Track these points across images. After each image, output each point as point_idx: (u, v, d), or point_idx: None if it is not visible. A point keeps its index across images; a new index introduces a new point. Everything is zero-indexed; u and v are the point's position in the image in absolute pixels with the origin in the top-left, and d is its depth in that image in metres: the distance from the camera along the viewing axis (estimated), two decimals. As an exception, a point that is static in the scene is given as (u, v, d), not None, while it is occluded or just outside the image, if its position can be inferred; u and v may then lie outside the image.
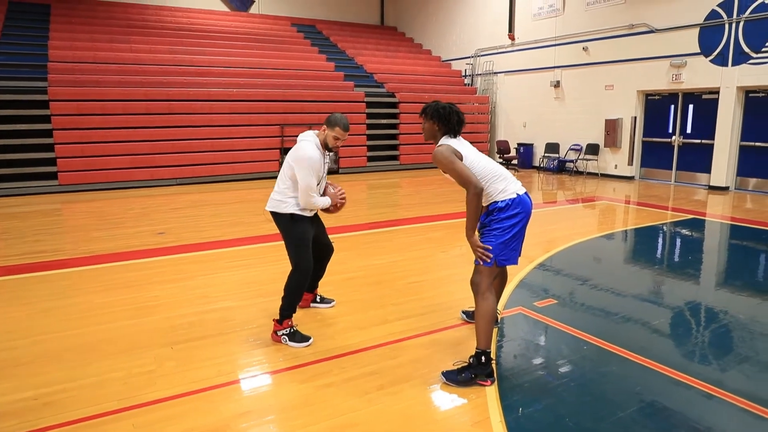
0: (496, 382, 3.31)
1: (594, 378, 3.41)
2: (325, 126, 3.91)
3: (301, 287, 3.96)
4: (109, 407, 3.04)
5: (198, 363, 3.58)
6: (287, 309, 3.93)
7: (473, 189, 3.21)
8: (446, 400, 3.15)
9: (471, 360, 3.32)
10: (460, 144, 3.39)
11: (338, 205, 4.10)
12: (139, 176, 12.13)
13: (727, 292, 5.36)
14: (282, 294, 3.96)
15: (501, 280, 3.86)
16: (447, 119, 3.41)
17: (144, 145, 12.22)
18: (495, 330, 4.07)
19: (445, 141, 3.39)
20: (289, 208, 3.86)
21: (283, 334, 3.89)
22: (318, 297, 4.66)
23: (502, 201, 3.26)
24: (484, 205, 3.35)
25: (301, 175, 3.76)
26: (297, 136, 4.02)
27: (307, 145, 3.84)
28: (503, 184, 3.31)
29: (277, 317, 3.95)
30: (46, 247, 6.90)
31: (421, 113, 3.53)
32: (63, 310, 4.61)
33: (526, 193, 3.39)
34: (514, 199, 3.27)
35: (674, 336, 4.14)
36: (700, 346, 3.99)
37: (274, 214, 3.94)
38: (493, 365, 3.38)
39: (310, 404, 3.08)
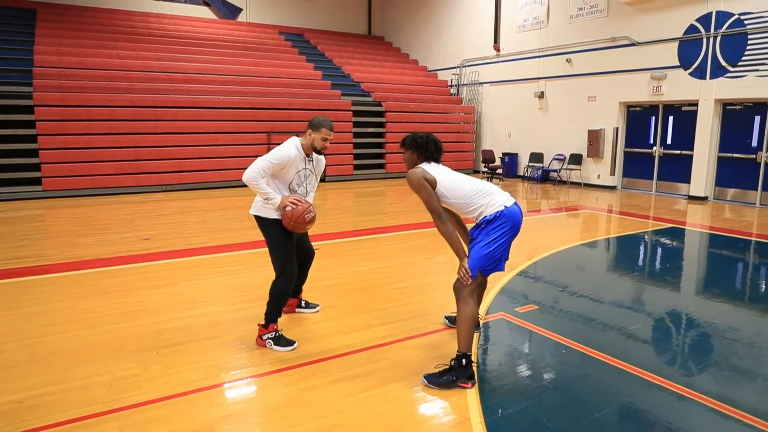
0: (477, 384, 3.39)
1: (572, 381, 3.51)
2: (310, 130, 3.97)
3: (286, 292, 4.01)
4: (95, 410, 3.06)
5: (183, 366, 3.62)
6: (272, 314, 3.98)
7: (437, 218, 3.41)
8: (428, 401, 3.22)
9: (452, 363, 3.40)
10: (435, 169, 3.49)
11: (291, 209, 3.81)
12: (124, 182, 12.09)
13: (703, 299, 5.51)
14: (267, 299, 4.01)
15: (481, 287, 3.96)
16: (425, 147, 3.55)
17: (130, 151, 12.20)
18: (477, 334, 4.16)
19: (421, 166, 3.50)
20: (272, 212, 3.89)
21: (268, 338, 3.94)
22: (303, 302, 4.72)
23: (490, 214, 3.36)
24: (474, 221, 3.45)
25: (263, 157, 3.79)
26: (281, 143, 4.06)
27: (286, 144, 3.92)
28: (488, 199, 3.40)
29: (262, 322, 4.00)
30: (30, 252, 6.87)
31: (401, 145, 3.67)
32: (48, 314, 4.62)
33: (515, 203, 3.47)
34: (502, 211, 3.35)
35: (650, 340, 4.26)
36: (675, 350, 4.11)
37: (258, 218, 3.98)
38: (474, 368, 3.46)
39: (294, 406, 3.13)
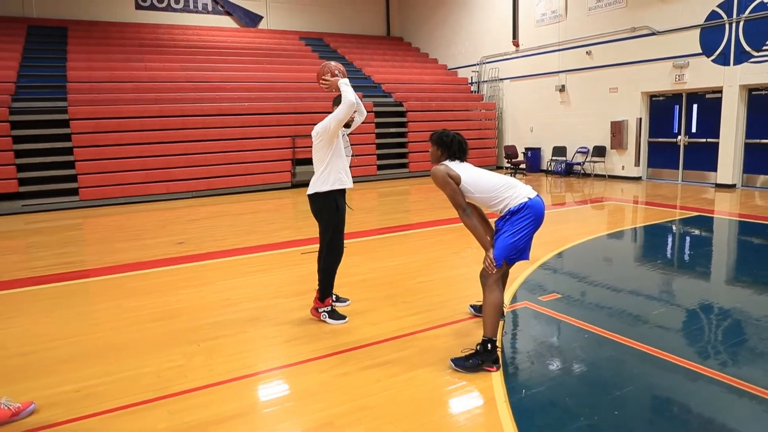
0: (501, 367, 3.54)
1: (593, 363, 3.63)
2: (335, 106, 4.32)
3: (335, 267, 4.46)
4: (145, 397, 3.31)
5: (224, 357, 3.86)
6: (327, 288, 4.40)
7: (461, 212, 3.62)
8: (454, 384, 3.38)
9: (478, 347, 3.56)
10: (459, 167, 3.68)
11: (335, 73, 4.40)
12: (155, 190, 12.51)
13: (729, 286, 5.55)
14: (319, 276, 4.45)
15: (505, 277, 4.10)
16: (448, 146, 3.75)
17: (160, 159, 12.61)
18: (501, 322, 4.31)
19: (445, 163, 3.72)
20: (326, 186, 4.26)
21: (323, 311, 4.39)
22: (334, 296, 4.92)
23: (515, 206, 3.52)
24: (499, 213, 3.62)
25: (327, 122, 4.21)
26: (308, 147, 4.41)
27: (325, 118, 4.30)
28: (512, 191, 3.56)
29: (317, 302, 4.43)
30: (73, 258, 7.24)
31: (429, 138, 3.88)
32: (94, 314, 4.92)
33: (538, 196, 3.63)
34: (526, 202, 3.52)
35: (670, 325, 4.34)
36: (694, 333, 4.19)
37: (314, 196, 4.33)
38: (498, 353, 3.61)
39: (328, 391, 3.33)
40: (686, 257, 6.82)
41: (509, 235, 3.50)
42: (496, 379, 3.39)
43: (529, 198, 3.54)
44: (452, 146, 3.74)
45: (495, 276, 3.55)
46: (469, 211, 3.61)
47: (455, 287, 5.41)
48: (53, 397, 3.36)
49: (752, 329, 4.16)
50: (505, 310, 4.53)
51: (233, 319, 4.65)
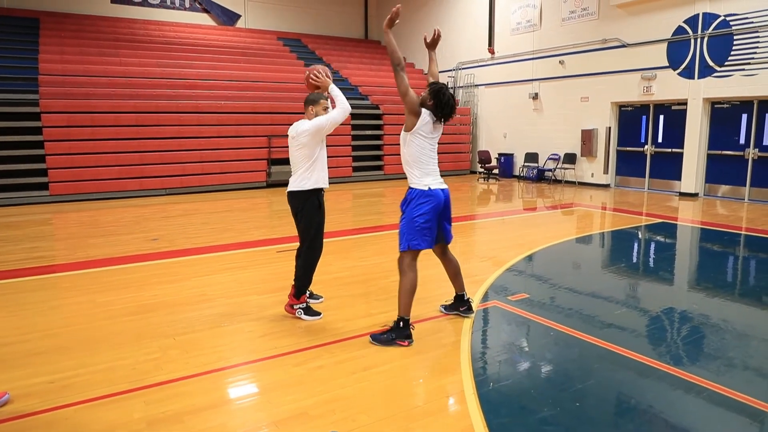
0: (470, 361, 3.68)
1: (557, 358, 3.81)
2: (310, 106, 4.45)
3: (315, 264, 4.54)
4: (120, 388, 3.35)
5: (200, 351, 3.92)
6: (304, 285, 4.49)
7: (399, 68, 3.94)
8: (425, 377, 3.52)
9: (393, 324, 3.97)
10: (429, 120, 3.93)
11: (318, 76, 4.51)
12: (128, 186, 12.38)
13: (689, 288, 5.82)
14: (297, 273, 4.52)
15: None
16: (437, 96, 3.96)
17: (133, 156, 12.48)
18: (470, 320, 4.47)
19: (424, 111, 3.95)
20: (309, 184, 4.36)
21: (299, 308, 4.49)
22: (308, 293, 5.02)
23: (415, 189, 3.92)
24: (408, 178, 4.01)
25: (324, 122, 4.35)
26: (284, 147, 4.49)
27: (305, 121, 4.44)
28: (419, 172, 3.94)
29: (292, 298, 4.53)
30: (44, 253, 7.16)
31: (428, 86, 4.14)
32: (68, 308, 4.91)
33: (442, 190, 3.98)
34: (425, 191, 3.91)
35: (630, 324, 4.56)
36: (653, 331, 4.41)
37: (296, 193, 4.40)
38: (411, 330, 3.99)
39: (303, 383, 3.43)
40: (649, 262, 7.10)
41: (410, 220, 3.91)
42: (465, 372, 3.54)
43: (429, 188, 3.90)
44: (441, 98, 3.94)
45: (407, 261, 3.96)
46: (399, 63, 3.97)
47: (426, 286, 5.53)
48: (28, 388, 3.38)
49: (706, 330, 4.40)
50: (475, 308, 4.70)
51: (209, 314, 4.71)
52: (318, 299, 5.03)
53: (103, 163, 12.15)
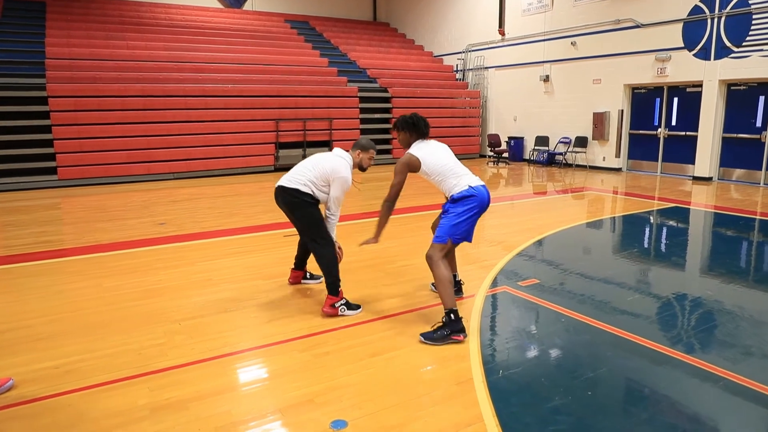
0: (479, 348, 3.61)
1: (568, 345, 3.73)
2: (359, 150, 4.44)
3: (335, 258, 4.34)
4: (125, 374, 3.32)
5: (205, 336, 3.87)
6: (337, 280, 4.29)
7: (386, 198, 4.03)
8: (433, 364, 3.45)
9: (443, 319, 3.74)
10: (426, 148, 4.00)
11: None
12: (136, 171, 12.36)
13: (703, 274, 5.70)
14: (323, 271, 4.31)
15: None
16: (416, 125, 4.08)
17: (141, 140, 12.44)
18: (479, 305, 4.40)
19: (414, 146, 4.01)
20: (310, 191, 4.28)
21: (341, 305, 4.26)
22: (308, 274, 5.04)
23: (457, 193, 3.83)
24: (445, 197, 3.97)
25: (336, 191, 4.32)
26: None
27: (345, 166, 4.35)
28: (456, 180, 3.88)
29: (327, 292, 4.30)
30: (52, 237, 7.15)
31: (393, 128, 4.16)
32: (74, 292, 4.89)
33: (482, 186, 3.91)
34: (467, 190, 3.82)
35: (644, 311, 4.46)
36: (666, 318, 4.32)
37: (295, 191, 4.25)
38: (464, 323, 3.77)
39: (309, 369, 3.37)
40: (662, 247, 6.97)
41: (453, 217, 3.81)
42: (474, 359, 3.46)
43: (471, 186, 3.83)
44: (419, 124, 4.06)
45: (438, 254, 3.81)
46: (392, 205, 4.05)
47: (426, 272, 5.46)
48: (32, 373, 3.35)
49: (721, 317, 4.30)
50: (485, 293, 4.63)
51: (214, 299, 4.66)
52: (318, 279, 5.02)
53: (110, 148, 12.12)
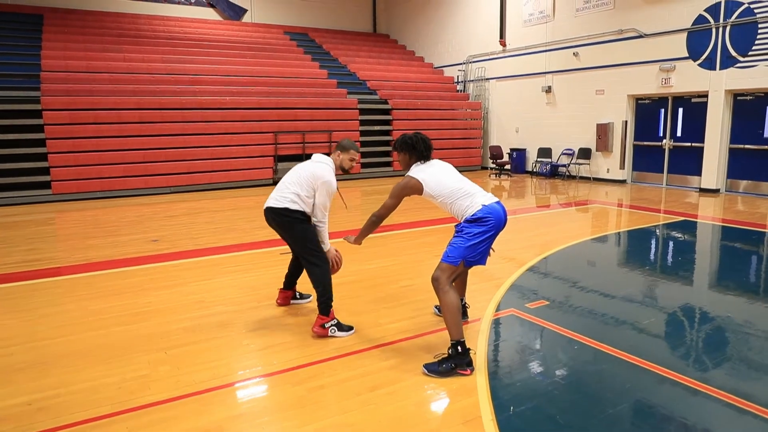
0: (487, 381, 3.35)
1: (584, 377, 3.46)
2: (339, 151, 4.26)
3: (328, 277, 4.16)
4: (103, 411, 3.05)
5: (192, 367, 3.61)
6: (329, 300, 4.11)
7: (376, 213, 3.81)
8: (438, 399, 3.19)
9: (449, 351, 3.44)
10: (428, 169, 3.69)
11: (333, 261, 4.29)
12: (132, 185, 12.14)
13: (716, 293, 5.43)
14: (317, 290, 4.14)
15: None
16: (415, 146, 3.74)
17: (137, 153, 12.24)
18: (486, 332, 4.13)
19: (414, 168, 3.73)
20: (299, 208, 4.09)
21: (331, 326, 4.07)
22: (297, 294, 4.82)
23: (471, 215, 3.50)
24: (458, 219, 3.63)
25: (320, 198, 4.09)
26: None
27: (328, 171, 4.15)
28: (469, 200, 3.55)
29: (318, 312, 4.14)
30: (41, 255, 6.90)
31: (393, 149, 3.82)
32: (58, 316, 4.63)
33: (497, 202, 3.59)
34: (481, 210, 3.49)
35: (664, 335, 4.20)
36: (689, 344, 4.05)
37: (285, 210, 4.08)
38: (472, 355, 3.48)
39: (303, 405, 3.11)
40: (674, 263, 6.71)
41: (468, 238, 3.47)
42: (482, 394, 3.20)
43: (484, 205, 3.51)
44: (418, 146, 3.75)
45: (447, 277, 3.48)
46: (378, 222, 3.85)
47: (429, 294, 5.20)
48: (3, 410, 3.09)
49: (749, 341, 4.02)
50: (491, 317, 4.37)
51: (205, 324, 4.40)
52: (307, 298, 4.84)
53: (106, 161, 11.91)
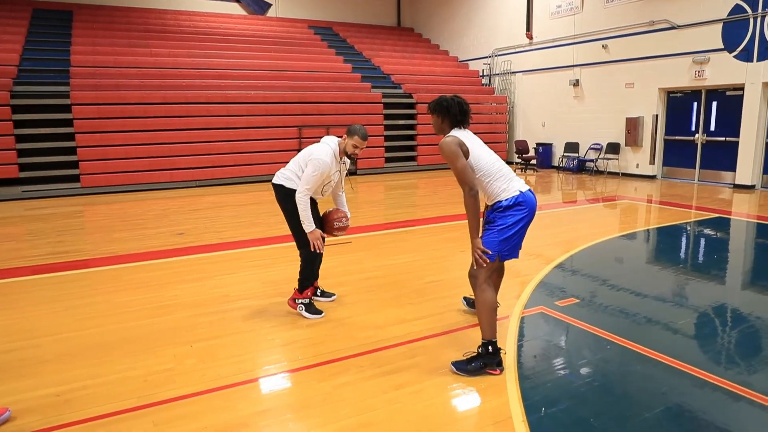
0: (517, 381, 3.25)
1: (617, 378, 3.34)
2: (345, 135, 4.21)
3: (315, 258, 4.28)
4: (128, 404, 3.05)
5: (217, 361, 3.59)
6: (306, 279, 4.28)
7: (468, 190, 3.22)
8: (466, 399, 3.10)
9: (479, 350, 3.35)
10: (467, 137, 3.36)
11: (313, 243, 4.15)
12: (158, 178, 12.26)
13: (753, 293, 5.23)
14: (300, 266, 4.30)
15: (499, 273, 3.83)
16: (448, 110, 3.40)
17: (163, 147, 12.36)
18: (515, 329, 4.03)
19: (454, 133, 3.37)
20: (294, 186, 4.15)
21: (301, 303, 4.26)
22: (318, 291, 4.73)
23: (506, 200, 3.27)
24: (488, 203, 3.38)
25: (307, 171, 4.07)
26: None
27: (325, 150, 4.12)
28: (506, 183, 3.31)
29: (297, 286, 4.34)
30: (69, 248, 6.99)
31: (428, 110, 3.58)
32: (84, 309, 4.66)
33: (530, 190, 3.38)
34: (518, 196, 3.27)
35: (699, 336, 4.05)
36: (727, 346, 3.89)
37: (280, 187, 4.22)
38: (502, 355, 3.39)
39: (328, 403, 3.05)
40: (707, 261, 6.49)
41: (503, 230, 3.26)
42: (512, 394, 3.10)
43: (521, 192, 3.29)
44: (452, 110, 3.39)
45: (485, 274, 3.31)
46: (476, 191, 3.24)
47: (465, 289, 5.07)
48: (31, 401, 3.10)
49: (787, 343, 3.85)
50: (520, 314, 4.26)
51: (230, 317, 4.39)
52: (330, 297, 4.75)
53: (133, 155, 12.05)
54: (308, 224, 4.08)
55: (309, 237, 4.11)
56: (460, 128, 3.41)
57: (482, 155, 3.32)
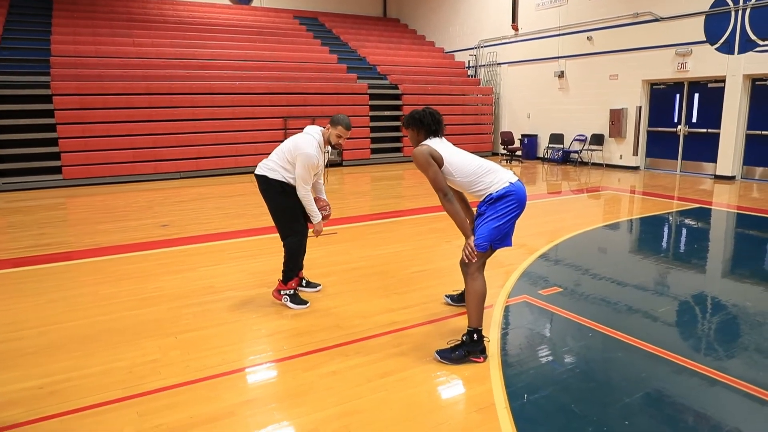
0: (501, 369, 3.30)
1: (599, 365, 3.40)
2: (329, 125, 4.22)
3: (300, 249, 4.35)
4: (113, 395, 3.04)
5: (202, 352, 3.59)
6: (290, 270, 4.31)
7: (443, 196, 3.35)
8: (450, 387, 3.14)
9: (464, 338, 3.40)
10: (441, 146, 3.44)
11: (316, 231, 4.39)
12: (142, 170, 12.13)
13: (732, 281, 5.34)
14: (284, 258, 4.34)
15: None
16: (422, 121, 3.49)
17: (147, 138, 12.22)
18: (498, 319, 4.07)
19: (426, 142, 3.46)
20: (278, 175, 4.18)
21: (285, 294, 4.31)
22: (304, 281, 4.74)
23: (496, 191, 3.31)
24: (479, 198, 3.42)
25: (298, 169, 4.10)
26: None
27: (309, 141, 4.14)
28: (492, 177, 3.36)
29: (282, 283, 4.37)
30: (51, 240, 6.91)
31: (402, 125, 3.65)
32: (68, 301, 4.62)
33: (519, 180, 3.42)
34: (508, 187, 3.32)
35: (679, 324, 4.13)
36: (705, 333, 3.97)
37: (264, 178, 4.23)
38: (486, 343, 3.44)
39: (314, 392, 3.07)
40: (688, 250, 6.60)
41: (494, 219, 3.30)
42: (495, 383, 3.15)
43: (511, 182, 3.34)
44: (425, 120, 3.48)
45: (477, 263, 3.37)
46: (451, 195, 3.37)
47: (451, 279, 5.14)
48: (14, 394, 3.08)
49: (762, 329, 3.93)
50: (503, 303, 4.31)
51: (215, 308, 4.38)
52: (315, 287, 4.75)
53: (116, 147, 11.90)
54: (315, 215, 4.25)
55: (316, 228, 4.32)
56: (436, 137, 3.49)
57: (458, 159, 3.40)
